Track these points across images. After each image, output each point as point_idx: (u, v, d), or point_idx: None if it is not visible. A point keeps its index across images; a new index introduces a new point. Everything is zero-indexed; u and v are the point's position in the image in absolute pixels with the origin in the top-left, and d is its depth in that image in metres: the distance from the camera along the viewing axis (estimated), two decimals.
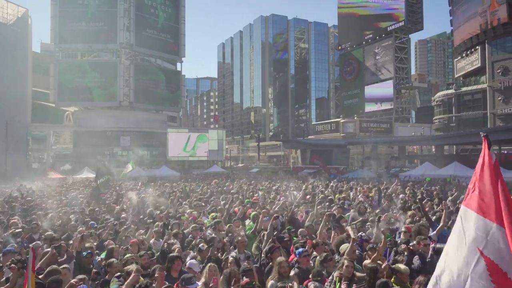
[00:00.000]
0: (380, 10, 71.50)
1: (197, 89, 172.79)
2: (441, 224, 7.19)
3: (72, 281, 4.55)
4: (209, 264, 5.11)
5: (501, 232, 2.35)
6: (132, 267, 4.90)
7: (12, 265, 4.81)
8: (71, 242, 7.07)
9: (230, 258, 5.39)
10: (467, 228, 2.54)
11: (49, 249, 6.18)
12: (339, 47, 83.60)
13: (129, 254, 5.87)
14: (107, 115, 55.59)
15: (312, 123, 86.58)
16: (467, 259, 2.46)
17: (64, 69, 54.64)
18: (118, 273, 5.12)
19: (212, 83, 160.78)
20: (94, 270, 5.78)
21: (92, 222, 9.73)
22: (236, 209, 10.91)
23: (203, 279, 4.88)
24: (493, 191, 2.45)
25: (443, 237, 6.66)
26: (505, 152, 40.60)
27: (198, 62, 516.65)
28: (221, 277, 4.68)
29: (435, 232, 6.95)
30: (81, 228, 8.46)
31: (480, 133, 2.68)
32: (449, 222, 8.37)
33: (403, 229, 7.20)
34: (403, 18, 67.30)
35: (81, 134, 52.76)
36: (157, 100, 59.47)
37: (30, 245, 6.37)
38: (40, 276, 4.87)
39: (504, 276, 2.29)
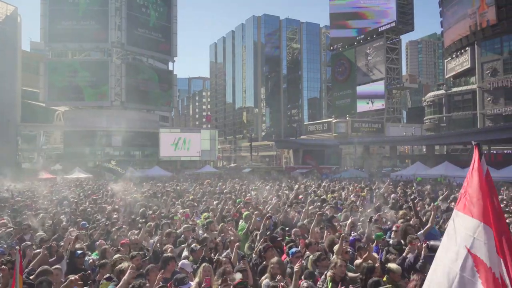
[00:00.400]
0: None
1: (189, 89, 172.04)
2: (428, 224, 7.28)
3: (71, 277, 4.49)
4: (203, 264, 5.10)
5: (487, 230, 2.51)
6: (124, 265, 4.88)
7: (2, 266, 4.76)
8: (61, 243, 7.01)
9: (224, 258, 5.38)
10: (457, 229, 2.70)
11: (38, 250, 6.13)
12: (331, 48, 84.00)
13: (118, 255, 5.83)
14: (98, 115, 55.16)
15: (305, 123, 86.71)
16: (456, 257, 2.61)
17: (55, 68, 54.05)
18: (107, 275, 5.09)
19: (204, 83, 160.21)
20: (88, 271, 5.74)
21: (83, 222, 9.66)
22: (228, 209, 10.91)
23: (197, 279, 4.87)
24: (482, 193, 2.61)
25: (430, 237, 6.74)
26: (495, 152, 41.14)
27: (190, 62, 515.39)
28: (215, 277, 4.68)
29: (422, 232, 7.03)
30: (71, 229, 8.39)
31: (472, 142, 2.84)
32: (441, 221, 8.47)
33: (394, 228, 7.26)
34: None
35: (71, 134, 52.21)
36: (149, 100, 59.12)
37: (17, 247, 6.31)
38: (31, 277, 4.84)
39: (489, 271, 2.44)
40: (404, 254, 5.78)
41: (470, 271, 2.52)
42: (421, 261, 5.28)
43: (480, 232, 2.54)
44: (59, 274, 5.04)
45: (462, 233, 2.64)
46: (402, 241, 6.51)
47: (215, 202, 12.72)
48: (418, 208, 10.21)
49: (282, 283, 4.33)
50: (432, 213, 7.60)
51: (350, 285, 4.40)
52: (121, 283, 4.45)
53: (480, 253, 2.50)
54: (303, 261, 5.58)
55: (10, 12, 51.36)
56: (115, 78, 54.43)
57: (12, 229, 8.44)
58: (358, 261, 5.51)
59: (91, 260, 6.31)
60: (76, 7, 54.05)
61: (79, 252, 6.07)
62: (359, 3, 73.38)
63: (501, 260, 2.41)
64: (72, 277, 4.48)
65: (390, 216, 9.31)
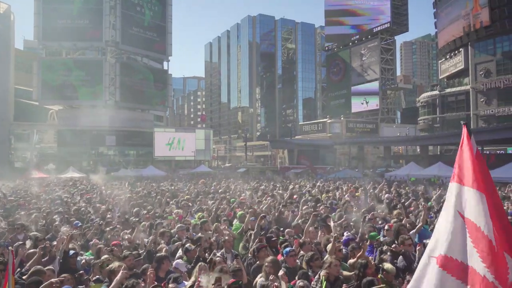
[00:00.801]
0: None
1: (184, 88, 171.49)
2: (420, 223, 7.33)
3: (52, 280, 4.46)
4: (199, 264, 5.08)
5: (478, 195, 2.71)
6: (115, 265, 4.84)
7: None
8: (54, 242, 6.96)
9: (218, 258, 5.37)
10: (451, 198, 2.88)
11: (32, 250, 6.08)
12: (326, 48, 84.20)
13: (105, 256, 5.79)
14: (92, 114, 54.77)
15: (299, 123, 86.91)
16: (451, 224, 2.78)
17: (48, 67, 53.66)
18: (96, 277, 5.07)
19: (199, 82, 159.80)
20: (81, 271, 5.70)
21: (76, 221, 9.58)
22: (223, 209, 10.89)
23: (193, 278, 4.85)
24: (472, 164, 2.81)
25: (423, 237, 6.79)
26: (487, 152, 41.44)
27: (185, 61, 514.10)
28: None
29: (414, 230, 7.08)
30: (65, 228, 8.32)
31: (461, 122, 3.03)
32: (435, 221, 8.52)
33: (386, 228, 7.30)
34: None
35: (65, 133, 51.86)
36: (143, 99, 58.89)
37: (10, 247, 6.25)
38: (24, 277, 4.80)
39: (479, 230, 2.62)
40: (389, 253, 5.82)
41: (461, 232, 2.70)
42: (416, 262, 5.30)
43: (471, 197, 2.72)
44: (51, 275, 5.00)
45: (455, 200, 2.81)
46: (395, 240, 6.54)
47: (209, 202, 12.69)
48: (412, 208, 10.28)
49: (276, 283, 4.33)
50: (423, 212, 7.69)
51: (344, 285, 4.40)
52: (113, 283, 4.41)
53: (471, 214, 2.68)
54: (297, 261, 5.59)
55: (3, 10, 50.95)
56: (109, 77, 54.16)
57: (5, 229, 8.36)
58: (351, 260, 5.53)
59: (83, 261, 6.27)
60: (70, 5, 53.69)
61: (72, 252, 6.02)
62: (353, 1, 73.94)
63: (491, 222, 2.59)
64: (53, 280, 4.43)
65: (384, 215, 9.36)
